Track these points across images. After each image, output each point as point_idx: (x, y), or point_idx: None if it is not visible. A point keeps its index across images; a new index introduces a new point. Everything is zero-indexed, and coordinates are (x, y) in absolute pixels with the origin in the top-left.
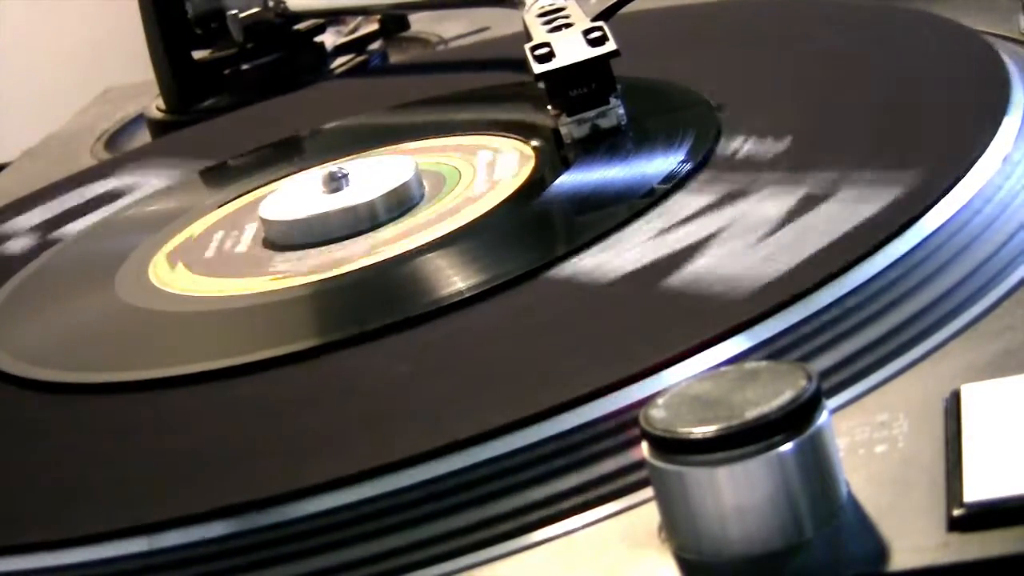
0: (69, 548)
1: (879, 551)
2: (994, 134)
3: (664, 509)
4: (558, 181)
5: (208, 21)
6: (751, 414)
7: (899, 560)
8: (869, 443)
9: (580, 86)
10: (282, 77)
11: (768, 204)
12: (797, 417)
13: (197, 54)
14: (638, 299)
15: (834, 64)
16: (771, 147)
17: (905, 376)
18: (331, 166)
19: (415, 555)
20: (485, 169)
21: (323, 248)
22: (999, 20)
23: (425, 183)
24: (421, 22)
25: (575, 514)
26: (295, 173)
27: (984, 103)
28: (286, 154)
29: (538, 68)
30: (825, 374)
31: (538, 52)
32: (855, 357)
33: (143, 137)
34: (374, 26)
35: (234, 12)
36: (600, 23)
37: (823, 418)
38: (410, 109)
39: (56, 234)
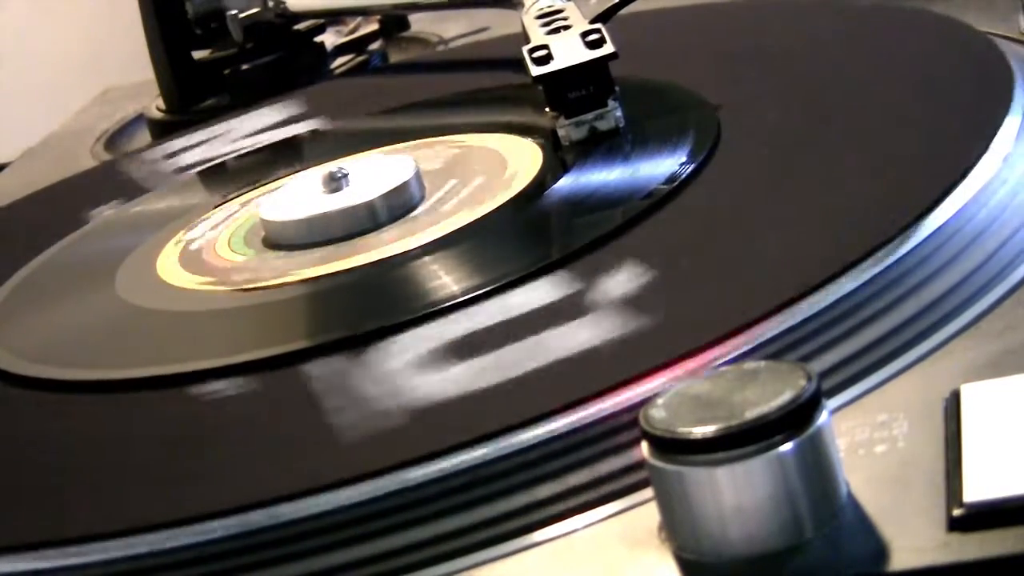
0: (69, 548)
1: (879, 551)
2: (995, 133)
3: (664, 509)
4: (557, 183)
5: (208, 21)
6: (751, 414)
7: (899, 560)
8: (869, 443)
9: (578, 88)
10: (282, 77)
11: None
12: (797, 417)
13: (197, 54)
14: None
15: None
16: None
17: (905, 376)
18: (331, 166)
19: (416, 555)
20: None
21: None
22: (999, 20)
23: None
24: (421, 22)
25: (575, 514)
26: (295, 173)
27: (985, 102)
28: (286, 154)
29: (536, 71)
30: (825, 374)
31: (536, 54)
32: (855, 357)
33: (143, 137)
34: (374, 26)
35: (234, 12)
36: (598, 25)
37: (823, 418)
38: (410, 109)
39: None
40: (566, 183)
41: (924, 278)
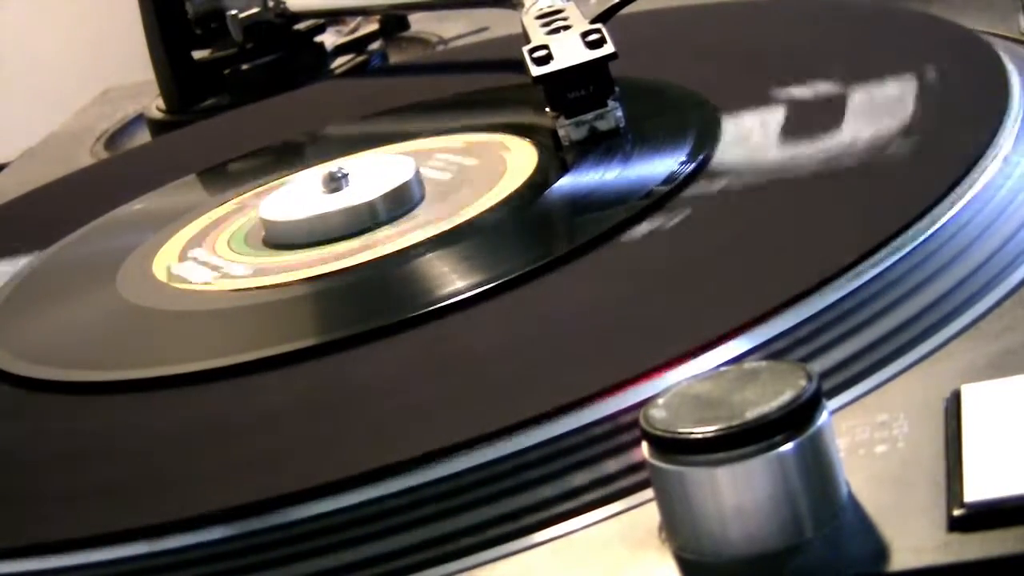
0: (70, 550)
1: (879, 551)
2: (994, 135)
3: (664, 509)
4: (557, 183)
5: (208, 21)
6: (751, 414)
7: (899, 560)
8: (869, 443)
9: (578, 88)
10: (282, 77)
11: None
12: (797, 417)
13: (197, 54)
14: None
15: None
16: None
17: (905, 376)
18: (331, 166)
19: (416, 556)
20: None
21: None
22: (999, 20)
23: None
24: (421, 22)
25: (575, 515)
26: (295, 173)
27: (984, 103)
28: (286, 154)
29: (536, 71)
30: (825, 374)
31: (536, 54)
32: (855, 357)
33: (143, 137)
34: (374, 26)
35: (234, 12)
36: (598, 25)
37: (823, 418)
38: (410, 109)
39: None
40: (566, 182)
41: (924, 279)
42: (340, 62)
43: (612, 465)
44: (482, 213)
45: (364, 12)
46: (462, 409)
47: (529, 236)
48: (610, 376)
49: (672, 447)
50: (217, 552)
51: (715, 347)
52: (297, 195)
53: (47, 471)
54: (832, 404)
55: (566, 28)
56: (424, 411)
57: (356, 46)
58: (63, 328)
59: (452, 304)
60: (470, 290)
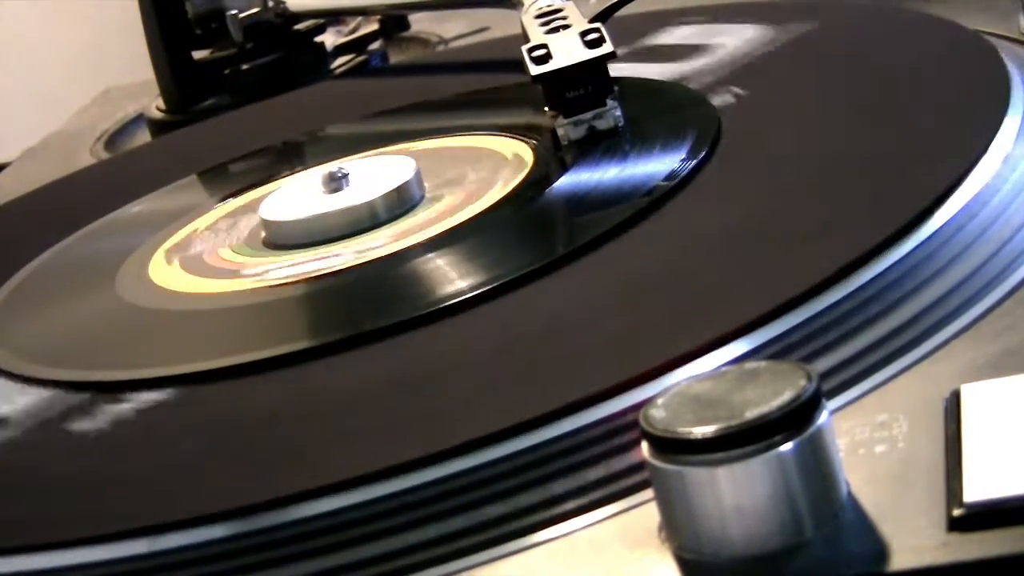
0: (69, 549)
1: (879, 551)
2: (994, 134)
3: (664, 509)
4: (557, 182)
5: (208, 21)
6: (751, 414)
7: (899, 560)
8: (869, 443)
9: (577, 88)
10: (282, 77)
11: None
12: (797, 417)
13: (197, 54)
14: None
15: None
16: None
17: (905, 376)
18: (331, 166)
19: (416, 556)
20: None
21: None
22: (999, 20)
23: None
24: (421, 22)
25: (575, 515)
26: (295, 173)
27: (984, 103)
28: (286, 154)
29: (535, 70)
30: (825, 374)
31: (535, 54)
32: (855, 357)
33: (143, 137)
34: (374, 26)
35: (234, 12)
36: (597, 24)
37: (823, 418)
38: (410, 109)
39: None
40: (565, 182)
41: (924, 279)
42: (340, 62)
43: (612, 465)
44: (482, 213)
45: (364, 12)
46: (461, 410)
47: (528, 236)
48: (610, 376)
49: (672, 447)
50: (216, 552)
51: (715, 347)
52: (297, 195)
53: (45, 471)
54: (832, 404)
55: (565, 27)
56: (423, 412)
57: (356, 46)
58: (62, 328)
59: (451, 305)
60: (469, 291)
